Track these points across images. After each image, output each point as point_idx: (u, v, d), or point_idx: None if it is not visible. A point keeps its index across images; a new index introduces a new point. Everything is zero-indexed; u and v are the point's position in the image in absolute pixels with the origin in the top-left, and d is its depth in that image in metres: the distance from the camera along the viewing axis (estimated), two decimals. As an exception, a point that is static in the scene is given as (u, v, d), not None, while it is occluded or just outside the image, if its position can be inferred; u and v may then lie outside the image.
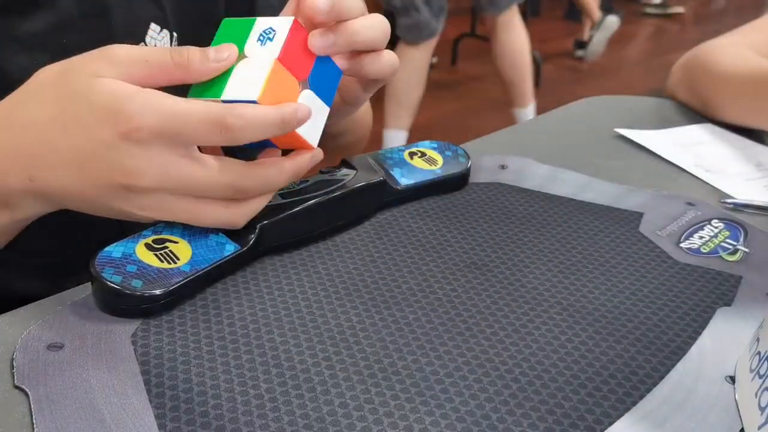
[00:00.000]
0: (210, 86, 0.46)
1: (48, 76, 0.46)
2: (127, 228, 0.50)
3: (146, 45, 0.61)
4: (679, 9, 5.42)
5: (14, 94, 0.47)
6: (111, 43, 0.46)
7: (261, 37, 0.48)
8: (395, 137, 2.54)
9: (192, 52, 0.45)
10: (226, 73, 0.46)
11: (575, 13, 5.01)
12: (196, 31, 0.60)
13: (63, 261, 0.59)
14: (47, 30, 0.57)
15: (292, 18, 0.49)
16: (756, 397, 0.40)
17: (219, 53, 0.46)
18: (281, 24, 0.48)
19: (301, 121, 0.46)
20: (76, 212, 0.48)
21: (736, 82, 0.79)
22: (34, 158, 0.45)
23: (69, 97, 0.44)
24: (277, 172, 0.48)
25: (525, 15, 3.85)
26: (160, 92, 0.44)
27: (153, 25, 0.62)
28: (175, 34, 0.64)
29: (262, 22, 0.49)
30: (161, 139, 0.43)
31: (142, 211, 0.45)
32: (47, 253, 0.62)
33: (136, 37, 0.60)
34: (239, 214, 0.48)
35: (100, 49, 0.45)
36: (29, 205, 0.48)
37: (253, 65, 0.47)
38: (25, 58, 0.56)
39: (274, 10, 0.60)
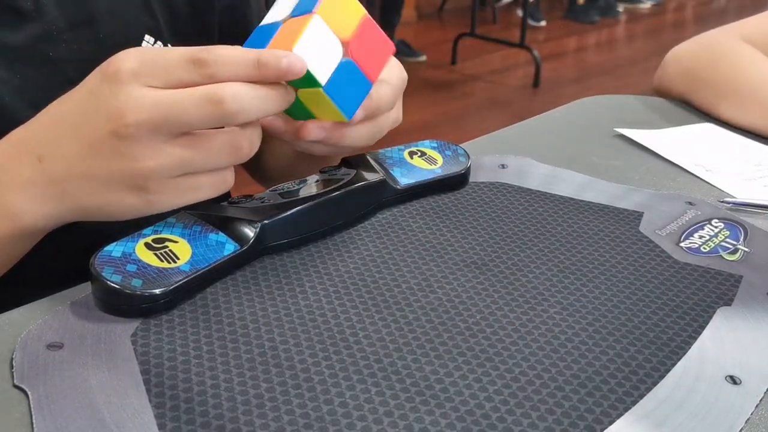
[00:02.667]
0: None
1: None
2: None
3: None
4: (648, 4, 5.47)
5: None
6: (100, 56, 0.46)
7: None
8: None
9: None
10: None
11: (575, 14, 5.01)
12: (191, 42, 0.59)
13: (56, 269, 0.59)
14: (32, 42, 0.56)
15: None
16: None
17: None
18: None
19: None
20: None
21: (758, 93, 0.78)
22: (44, 138, 0.47)
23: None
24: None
25: (524, 14, 3.86)
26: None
27: (147, 37, 0.62)
28: (169, 46, 0.63)
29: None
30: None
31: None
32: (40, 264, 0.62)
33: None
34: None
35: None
36: (38, 203, 0.47)
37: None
38: (7, 70, 0.55)
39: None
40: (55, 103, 0.47)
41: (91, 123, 0.45)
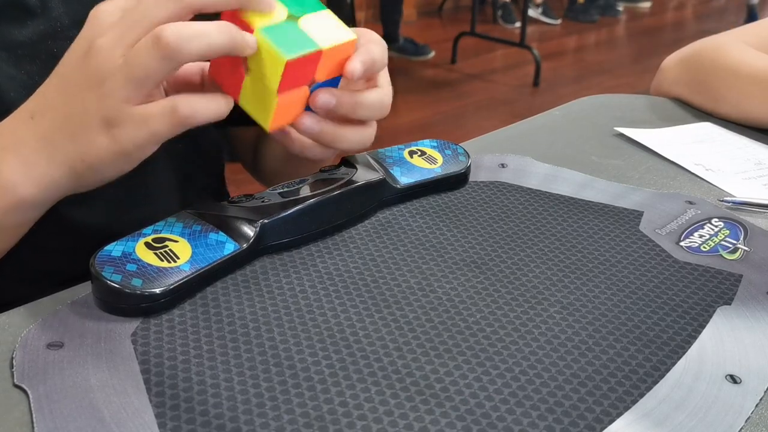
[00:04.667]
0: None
1: None
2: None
3: None
4: (647, 4, 5.49)
5: None
6: None
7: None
8: None
9: None
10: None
11: (575, 13, 5.01)
12: None
13: (54, 270, 0.59)
14: (37, 38, 0.56)
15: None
16: None
17: None
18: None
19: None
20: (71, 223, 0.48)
21: (757, 80, 0.78)
22: (37, 95, 0.48)
23: None
24: None
25: (525, 14, 3.86)
26: None
27: None
28: None
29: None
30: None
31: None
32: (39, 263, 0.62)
33: None
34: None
35: None
36: (30, 166, 0.47)
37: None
38: (13, 66, 0.56)
39: None
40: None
41: (70, 58, 0.47)
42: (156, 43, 0.44)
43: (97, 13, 0.46)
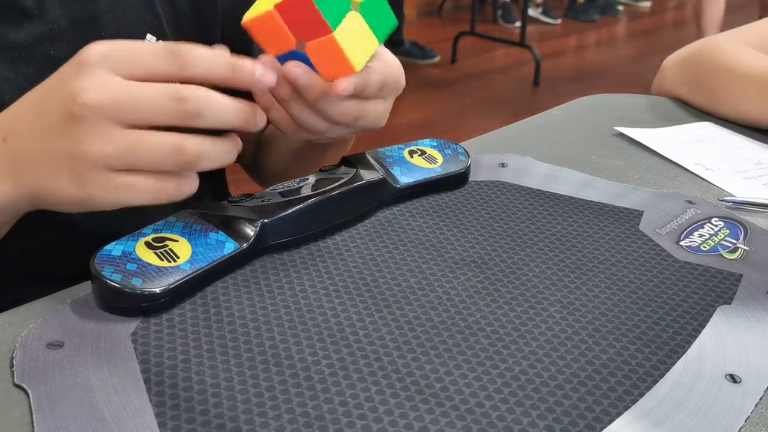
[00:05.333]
0: None
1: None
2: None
3: None
4: (647, 4, 5.50)
5: None
6: None
7: None
8: None
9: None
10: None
11: (575, 13, 5.01)
12: (194, 41, 0.59)
13: (49, 271, 0.59)
14: (34, 40, 0.56)
15: None
16: None
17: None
18: None
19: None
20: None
21: (753, 80, 0.78)
22: (12, 116, 0.47)
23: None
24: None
25: (524, 14, 3.86)
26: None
27: (149, 36, 0.62)
28: None
29: None
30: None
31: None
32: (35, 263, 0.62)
33: None
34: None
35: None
36: (2, 181, 0.46)
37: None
38: (9, 68, 0.55)
39: None
40: (34, 88, 0.47)
41: (51, 102, 0.44)
42: (180, 153, 0.43)
43: (88, 59, 0.43)
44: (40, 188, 0.46)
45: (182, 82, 0.44)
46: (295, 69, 0.50)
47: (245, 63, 0.45)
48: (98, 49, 0.43)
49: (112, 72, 0.43)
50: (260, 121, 0.47)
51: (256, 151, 0.80)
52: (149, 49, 0.44)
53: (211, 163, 0.45)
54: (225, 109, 0.44)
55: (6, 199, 0.47)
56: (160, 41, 0.45)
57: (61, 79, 0.45)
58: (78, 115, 0.42)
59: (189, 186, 0.45)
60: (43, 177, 0.45)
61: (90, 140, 0.43)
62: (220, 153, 0.45)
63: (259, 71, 0.45)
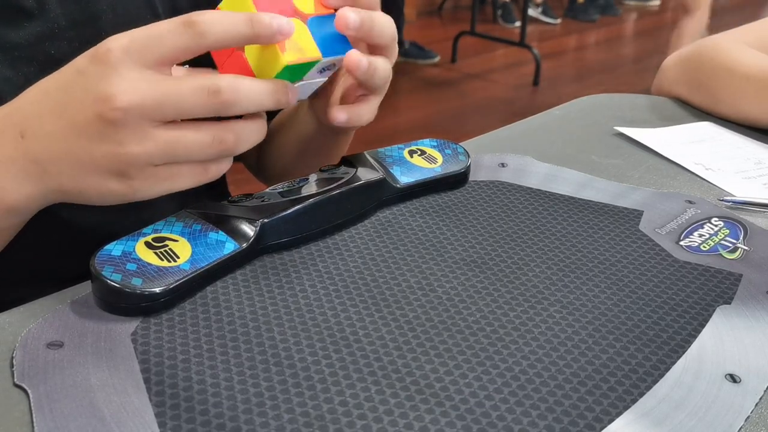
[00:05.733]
0: None
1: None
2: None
3: None
4: (656, 2, 5.50)
5: None
6: None
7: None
8: None
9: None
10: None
11: (575, 12, 5.01)
12: None
13: (49, 269, 0.59)
14: (34, 40, 0.56)
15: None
16: None
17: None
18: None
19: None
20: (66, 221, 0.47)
21: (751, 79, 0.78)
22: (27, 114, 0.46)
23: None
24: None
25: (524, 13, 3.86)
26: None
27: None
28: None
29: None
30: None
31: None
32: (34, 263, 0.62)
33: None
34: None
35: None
36: (19, 181, 0.46)
37: None
38: (9, 68, 0.55)
39: None
40: (43, 80, 0.47)
41: (77, 103, 0.44)
42: (221, 144, 0.45)
43: (110, 57, 0.43)
44: (73, 187, 0.46)
45: (206, 51, 0.44)
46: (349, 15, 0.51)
47: (262, 16, 0.45)
48: (118, 43, 0.43)
49: (138, 65, 0.43)
50: (292, 96, 0.48)
51: (260, 151, 0.80)
52: (166, 29, 0.43)
53: (247, 146, 0.47)
54: (258, 92, 0.45)
55: (29, 199, 0.47)
56: (174, 18, 0.44)
57: (83, 78, 0.44)
58: (113, 119, 0.42)
59: (226, 165, 0.47)
60: (79, 178, 0.45)
61: (129, 142, 0.43)
62: (254, 134, 0.47)
63: (276, 21, 0.45)
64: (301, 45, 0.48)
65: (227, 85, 0.44)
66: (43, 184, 0.46)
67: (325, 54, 0.50)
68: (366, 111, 0.57)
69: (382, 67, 0.54)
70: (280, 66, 0.47)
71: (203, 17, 0.43)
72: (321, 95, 0.61)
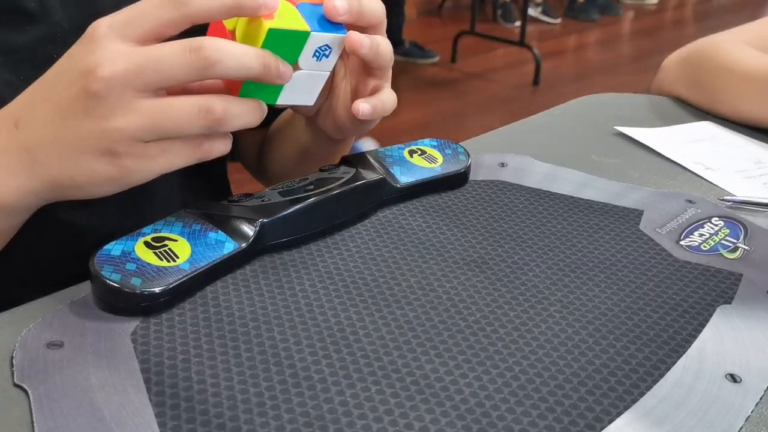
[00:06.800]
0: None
1: None
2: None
3: None
4: (653, 0, 5.51)
5: None
6: None
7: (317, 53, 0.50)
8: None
9: None
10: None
11: (575, 12, 5.01)
12: None
13: (48, 270, 0.59)
14: (36, 43, 0.56)
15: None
16: None
17: None
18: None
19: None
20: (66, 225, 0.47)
21: (751, 79, 0.78)
22: (22, 103, 0.46)
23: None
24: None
25: (524, 13, 3.86)
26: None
27: None
28: None
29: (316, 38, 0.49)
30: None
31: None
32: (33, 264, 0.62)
33: None
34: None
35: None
36: (11, 174, 0.45)
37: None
38: (10, 71, 0.55)
39: None
40: (43, 76, 0.47)
41: (63, 83, 0.44)
42: (207, 114, 0.43)
43: (94, 33, 0.43)
44: (64, 175, 0.45)
45: (190, 23, 0.44)
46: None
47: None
48: (103, 22, 0.43)
49: (121, 39, 0.43)
50: (284, 69, 0.46)
51: (260, 152, 0.80)
52: (149, 3, 0.43)
53: (239, 122, 0.45)
54: (243, 53, 0.44)
55: (21, 192, 0.46)
56: None
57: (69, 58, 0.44)
58: (97, 90, 0.42)
59: (223, 144, 0.46)
60: (68, 162, 0.44)
61: (114, 115, 0.42)
62: (247, 111, 0.45)
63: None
64: (288, 17, 0.47)
65: (210, 42, 0.43)
66: (34, 174, 0.45)
67: (313, 28, 0.48)
68: (388, 97, 0.57)
69: (384, 43, 0.54)
70: (264, 31, 0.45)
71: None
72: (323, 106, 0.61)
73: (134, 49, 0.43)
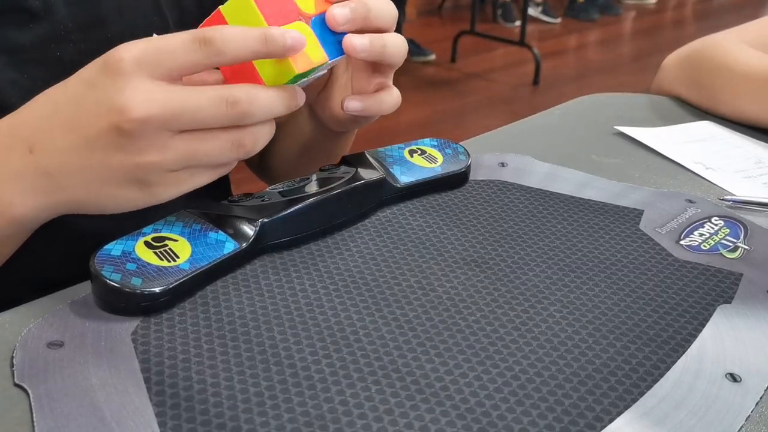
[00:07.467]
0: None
1: None
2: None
3: None
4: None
5: None
6: None
7: None
8: None
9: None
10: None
11: (575, 12, 5.01)
12: None
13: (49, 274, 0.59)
14: (40, 42, 0.55)
15: None
16: None
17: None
18: None
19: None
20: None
21: (750, 78, 0.78)
22: (35, 128, 0.46)
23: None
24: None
25: (525, 13, 3.86)
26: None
27: (155, 36, 0.62)
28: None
29: None
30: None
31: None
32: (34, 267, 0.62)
33: None
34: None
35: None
36: (28, 194, 0.46)
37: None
38: (15, 70, 0.55)
39: None
40: (48, 91, 0.46)
41: (89, 116, 0.43)
42: (239, 148, 0.45)
43: (120, 67, 0.42)
44: (89, 198, 0.46)
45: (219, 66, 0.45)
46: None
47: (274, 32, 0.45)
48: (130, 54, 0.43)
49: (151, 78, 0.43)
50: (301, 99, 0.48)
51: (263, 152, 0.80)
52: (180, 43, 0.43)
53: (262, 146, 0.47)
54: (272, 102, 0.46)
55: (36, 211, 0.47)
56: (188, 32, 0.44)
57: (94, 90, 0.44)
58: (130, 130, 0.42)
59: (245, 157, 0.47)
60: (94, 188, 0.45)
61: (149, 151, 0.43)
62: (267, 134, 0.47)
63: (288, 36, 0.45)
64: (308, 51, 0.48)
65: (245, 95, 0.44)
66: (55, 196, 0.46)
67: (330, 56, 0.50)
68: (387, 97, 0.57)
69: (392, 42, 0.53)
70: (291, 75, 0.47)
71: (218, 35, 0.43)
72: (321, 96, 0.61)
73: (168, 93, 0.43)
